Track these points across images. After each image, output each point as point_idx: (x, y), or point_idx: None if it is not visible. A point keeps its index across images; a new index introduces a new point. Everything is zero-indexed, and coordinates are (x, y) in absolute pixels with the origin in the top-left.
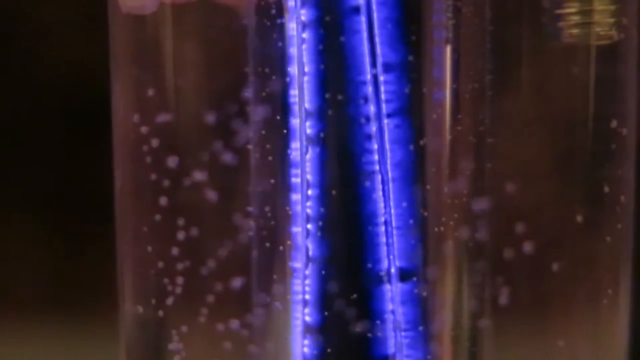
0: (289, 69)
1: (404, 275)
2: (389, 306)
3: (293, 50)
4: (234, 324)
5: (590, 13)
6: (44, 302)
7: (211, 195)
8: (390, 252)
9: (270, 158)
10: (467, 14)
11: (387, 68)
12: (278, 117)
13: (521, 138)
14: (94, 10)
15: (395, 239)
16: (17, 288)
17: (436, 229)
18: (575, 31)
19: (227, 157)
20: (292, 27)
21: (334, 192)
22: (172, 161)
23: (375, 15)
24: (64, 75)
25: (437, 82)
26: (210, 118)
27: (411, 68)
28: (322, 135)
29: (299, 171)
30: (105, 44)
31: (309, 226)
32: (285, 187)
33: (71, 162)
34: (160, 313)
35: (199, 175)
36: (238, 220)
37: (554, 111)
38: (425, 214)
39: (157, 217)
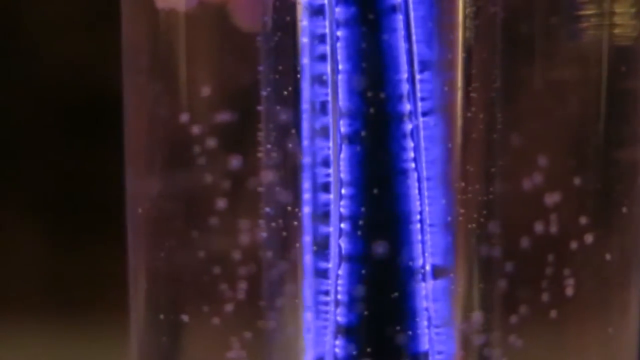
0: (316, 67)
1: (438, 272)
2: (424, 303)
3: (305, 49)
4: (251, 326)
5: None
6: (44, 303)
7: (229, 197)
8: (425, 249)
9: (287, 158)
10: (496, 14)
11: (422, 66)
12: (299, 116)
13: (557, 136)
14: (95, 10)
15: (429, 236)
16: (18, 288)
17: (469, 226)
18: (605, 32)
19: (246, 158)
20: (305, 24)
21: (370, 190)
22: (191, 162)
23: (412, 14)
24: (64, 75)
25: (469, 80)
26: (237, 117)
27: (447, 66)
28: (358, 133)
29: (329, 170)
30: (105, 43)
31: (343, 225)
32: (298, 188)
33: (71, 161)
34: (178, 317)
35: (219, 176)
36: (255, 223)
37: (589, 110)
38: (462, 211)
39: (175, 220)
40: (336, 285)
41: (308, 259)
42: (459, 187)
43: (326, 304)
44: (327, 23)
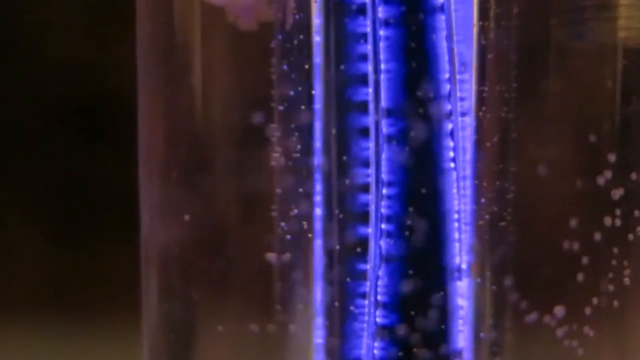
0: (356, 66)
1: (471, 270)
2: (460, 302)
3: (318, 48)
4: (265, 327)
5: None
6: (46, 303)
7: (241, 197)
8: (461, 248)
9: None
10: (525, 16)
11: (462, 67)
12: (312, 117)
13: (590, 134)
14: (95, 10)
15: (465, 235)
16: (19, 289)
17: (501, 224)
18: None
19: (260, 159)
20: (317, 23)
21: (413, 190)
22: (206, 162)
23: (453, 14)
24: (65, 75)
25: (505, 81)
26: (253, 117)
27: (483, 67)
28: (403, 133)
29: (369, 170)
30: (105, 43)
31: (383, 226)
32: (310, 190)
33: (72, 161)
34: (190, 318)
35: (232, 176)
36: (267, 224)
37: (614, 110)
38: (495, 209)
39: (190, 221)
40: (376, 286)
41: (319, 262)
42: (492, 185)
43: (362, 306)
44: (368, 22)
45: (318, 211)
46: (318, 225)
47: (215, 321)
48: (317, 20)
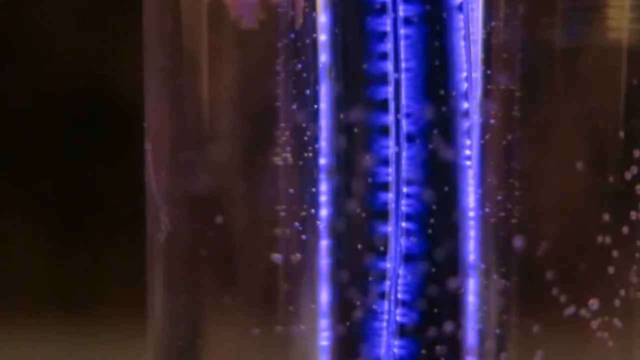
0: (377, 65)
1: (485, 267)
2: (473, 298)
3: (324, 46)
4: (269, 327)
5: None
6: (47, 303)
7: (247, 197)
8: (476, 245)
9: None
10: (532, 16)
11: (476, 65)
12: (316, 117)
13: (597, 132)
14: (95, 10)
15: (481, 232)
16: (20, 289)
17: (513, 221)
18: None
19: (263, 159)
20: (322, 21)
21: (434, 188)
22: (208, 161)
23: (469, 14)
24: (65, 75)
25: (515, 79)
26: (256, 117)
27: (495, 67)
28: (424, 131)
29: (389, 169)
30: (106, 43)
31: (404, 224)
32: (316, 190)
33: (73, 161)
34: (195, 320)
35: (238, 174)
36: (271, 224)
37: (621, 107)
38: (509, 206)
39: (194, 221)
40: (396, 284)
41: (326, 263)
42: (505, 183)
43: (381, 304)
44: (388, 21)
45: (325, 211)
46: (325, 226)
47: (221, 322)
48: (322, 18)
